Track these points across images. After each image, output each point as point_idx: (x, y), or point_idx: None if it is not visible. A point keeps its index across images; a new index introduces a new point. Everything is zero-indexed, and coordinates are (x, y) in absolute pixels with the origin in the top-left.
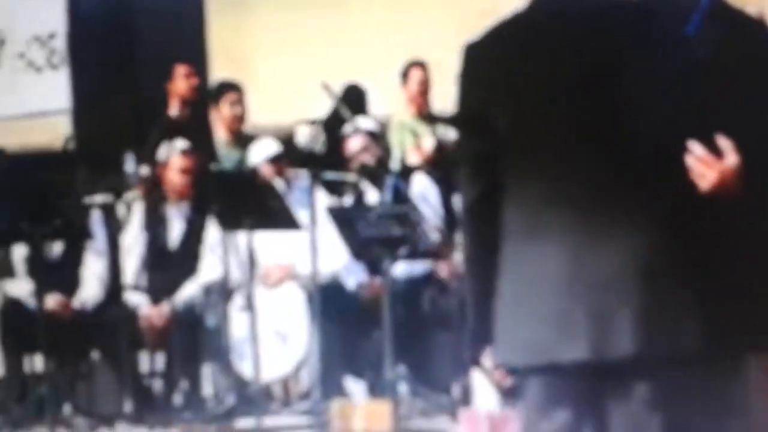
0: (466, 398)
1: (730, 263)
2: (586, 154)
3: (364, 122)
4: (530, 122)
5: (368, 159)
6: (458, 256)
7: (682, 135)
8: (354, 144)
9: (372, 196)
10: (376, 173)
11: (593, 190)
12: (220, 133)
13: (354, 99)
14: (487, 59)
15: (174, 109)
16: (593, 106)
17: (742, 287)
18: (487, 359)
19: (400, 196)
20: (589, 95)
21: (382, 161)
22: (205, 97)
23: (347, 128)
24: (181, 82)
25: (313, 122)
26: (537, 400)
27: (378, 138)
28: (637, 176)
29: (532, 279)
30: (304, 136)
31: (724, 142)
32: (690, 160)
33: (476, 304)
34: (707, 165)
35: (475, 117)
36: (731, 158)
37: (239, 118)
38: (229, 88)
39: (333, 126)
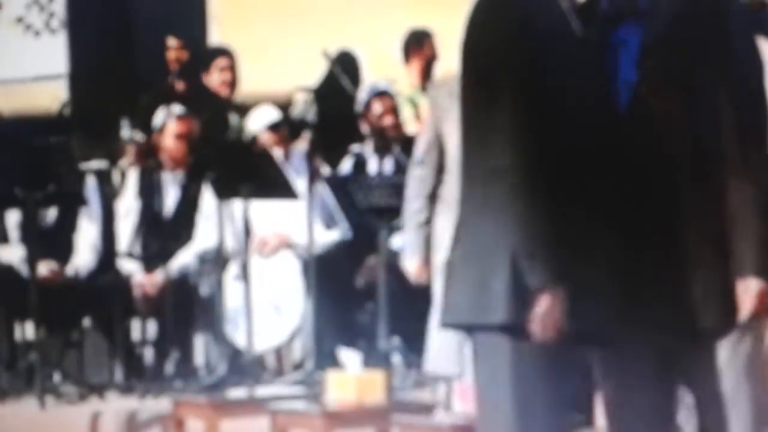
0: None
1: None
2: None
3: (383, 85)
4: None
5: (389, 122)
6: None
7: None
8: (377, 108)
9: (372, 165)
10: (389, 141)
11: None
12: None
13: (347, 66)
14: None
15: (175, 75)
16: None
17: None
18: None
19: (401, 167)
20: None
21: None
22: (196, 63)
23: (366, 92)
24: (172, 53)
25: (305, 90)
26: None
27: (396, 103)
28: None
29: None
30: (296, 106)
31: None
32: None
33: None
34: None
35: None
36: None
37: (229, 85)
38: (219, 53)
39: (327, 94)
